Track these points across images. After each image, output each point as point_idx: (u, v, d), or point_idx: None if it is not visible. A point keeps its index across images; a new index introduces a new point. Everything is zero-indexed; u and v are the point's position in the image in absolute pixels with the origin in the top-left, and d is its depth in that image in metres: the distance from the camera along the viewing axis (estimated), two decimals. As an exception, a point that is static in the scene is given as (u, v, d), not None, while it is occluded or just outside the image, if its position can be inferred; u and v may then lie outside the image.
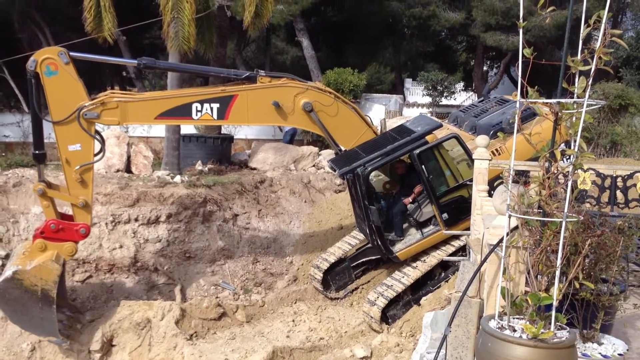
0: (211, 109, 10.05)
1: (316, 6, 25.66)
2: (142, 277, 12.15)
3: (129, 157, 15.35)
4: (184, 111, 10.03)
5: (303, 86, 10.47)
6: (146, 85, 29.73)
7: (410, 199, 10.78)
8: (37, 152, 9.94)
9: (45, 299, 9.56)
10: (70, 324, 10.61)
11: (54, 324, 9.76)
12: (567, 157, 3.48)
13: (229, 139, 18.07)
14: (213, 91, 10.19)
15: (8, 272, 9.57)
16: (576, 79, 3.35)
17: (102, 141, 10.22)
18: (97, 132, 10.05)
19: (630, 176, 8.57)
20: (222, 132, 18.92)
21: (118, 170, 14.90)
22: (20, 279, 9.45)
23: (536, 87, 3.49)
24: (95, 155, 10.01)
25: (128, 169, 15.27)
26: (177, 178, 14.06)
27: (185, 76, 19.22)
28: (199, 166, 16.13)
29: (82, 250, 12.02)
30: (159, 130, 17.99)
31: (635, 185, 8.56)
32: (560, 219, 3.38)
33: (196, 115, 10.06)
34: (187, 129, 17.88)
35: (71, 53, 9.54)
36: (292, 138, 20.07)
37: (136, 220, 12.53)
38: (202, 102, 10.01)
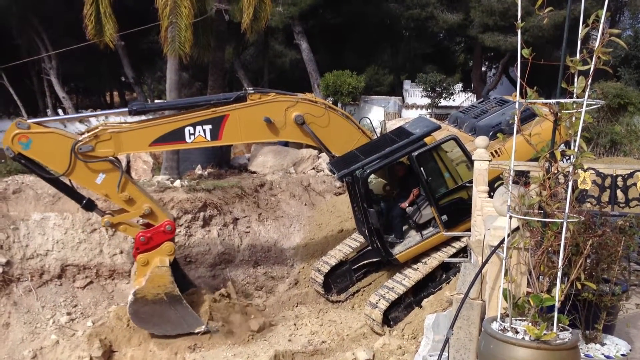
0: (204, 130, 10.11)
1: (314, 8, 25.67)
2: (142, 282, 12.05)
3: (128, 163, 15.32)
4: (177, 136, 10.10)
5: (293, 99, 10.51)
6: (144, 90, 29.71)
7: (407, 203, 10.74)
8: (82, 205, 10.27)
9: (173, 300, 10.13)
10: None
11: (194, 316, 10.31)
12: (567, 157, 3.45)
13: (228, 142, 17.92)
14: (204, 113, 10.17)
15: (130, 297, 10.18)
16: (575, 79, 3.33)
17: (115, 158, 10.26)
18: None
19: (631, 175, 8.51)
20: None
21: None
22: (142, 296, 10.04)
23: (535, 87, 3.46)
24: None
25: (128, 174, 15.16)
26: (177, 182, 14.03)
27: (183, 81, 19.22)
28: (198, 170, 16.10)
29: (82, 256, 12.06)
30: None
31: (635, 184, 8.49)
32: (561, 220, 3.35)
33: (189, 138, 10.11)
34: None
35: (29, 121, 9.63)
36: None
37: (136, 225, 12.46)
38: (194, 125, 10.07)
